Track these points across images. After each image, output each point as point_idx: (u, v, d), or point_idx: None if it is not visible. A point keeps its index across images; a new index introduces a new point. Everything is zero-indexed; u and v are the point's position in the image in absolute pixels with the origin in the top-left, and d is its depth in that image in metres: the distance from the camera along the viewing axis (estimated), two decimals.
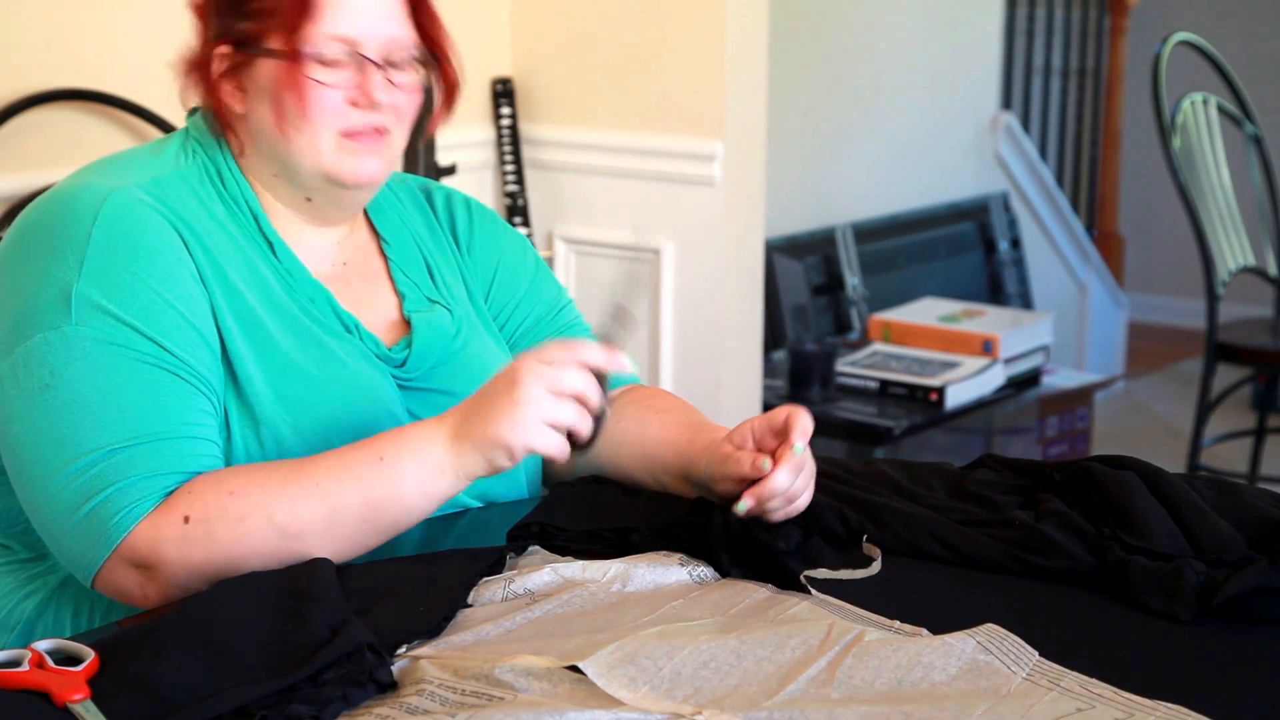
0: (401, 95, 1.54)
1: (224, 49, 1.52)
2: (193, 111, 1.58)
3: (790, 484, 1.45)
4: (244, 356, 1.47)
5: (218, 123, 1.55)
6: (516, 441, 1.37)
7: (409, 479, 1.39)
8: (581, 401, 1.38)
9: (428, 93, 1.61)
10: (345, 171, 1.52)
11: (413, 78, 1.55)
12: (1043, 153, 5.47)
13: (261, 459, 1.46)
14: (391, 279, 1.63)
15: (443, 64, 1.58)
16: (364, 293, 1.61)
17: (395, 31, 1.53)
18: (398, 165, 1.61)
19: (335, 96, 1.50)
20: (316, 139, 1.51)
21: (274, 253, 1.54)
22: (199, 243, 1.48)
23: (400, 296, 1.63)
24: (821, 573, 1.39)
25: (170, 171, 1.52)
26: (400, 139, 1.56)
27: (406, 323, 1.61)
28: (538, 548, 1.45)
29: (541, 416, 1.36)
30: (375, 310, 1.60)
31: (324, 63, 1.50)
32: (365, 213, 1.65)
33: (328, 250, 1.60)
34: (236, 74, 1.52)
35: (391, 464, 1.39)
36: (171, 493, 1.39)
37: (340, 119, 1.51)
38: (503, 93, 3.31)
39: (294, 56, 1.49)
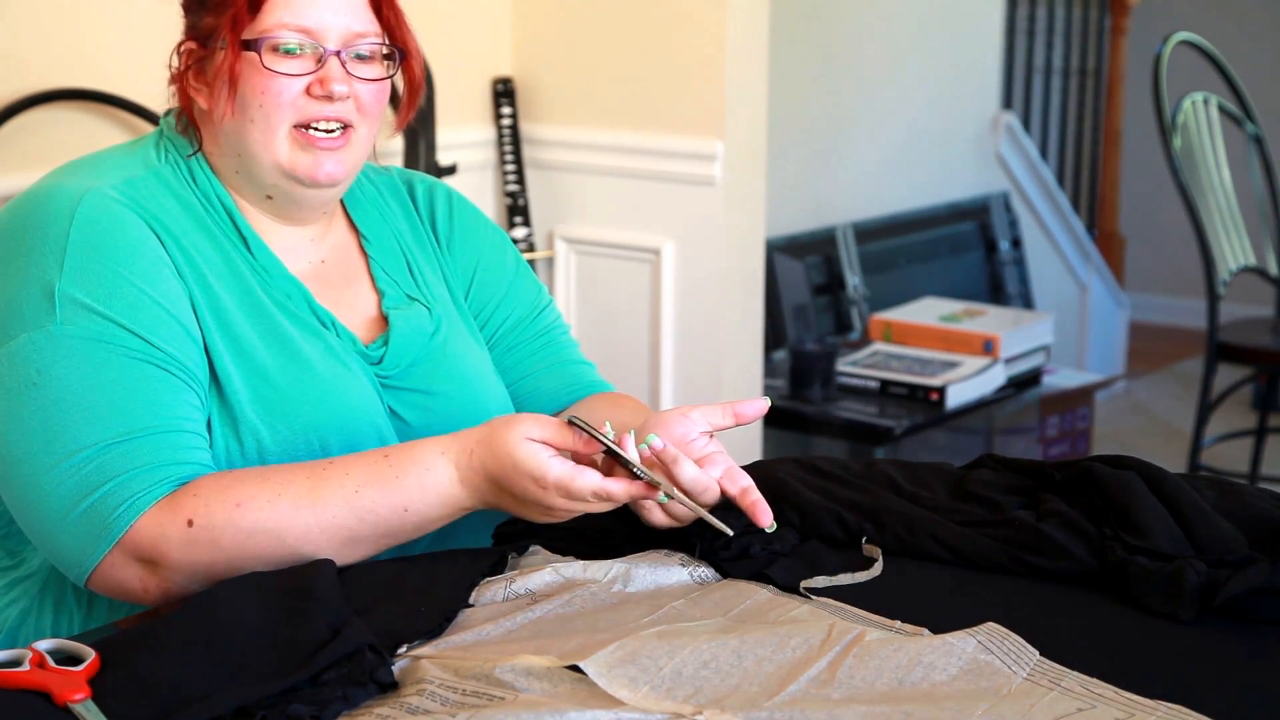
0: (364, 88, 1.52)
1: (189, 44, 1.52)
2: (167, 113, 1.58)
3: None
4: (222, 355, 1.47)
5: (185, 120, 1.55)
6: (554, 522, 1.42)
7: (432, 524, 1.43)
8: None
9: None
10: (301, 169, 1.51)
11: (377, 72, 1.54)
12: (1043, 152, 5.47)
13: (241, 458, 1.46)
14: (371, 276, 1.63)
15: (407, 60, 1.57)
16: (343, 290, 1.60)
17: (358, 25, 1.52)
18: (361, 161, 1.58)
19: (292, 86, 1.49)
20: (273, 131, 1.50)
21: (249, 249, 1.54)
22: (174, 241, 1.48)
23: (380, 293, 1.62)
24: (820, 581, 1.39)
25: (143, 171, 1.52)
26: (366, 134, 1.55)
27: (385, 320, 1.60)
28: (539, 548, 1.45)
29: (569, 513, 1.40)
30: (354, 308, 1.60)
31: (280, 53, 1.49)
32: (344, 208, 1.65)
33: (302, 248, 1.59)
34: (202, 69, 1.52)
35: (417, 515, 1.41)
36: (175, 489, 1.39)
37: (297, 110, 1.50)
38: (503, 93, 3.31)
39: (248, 45, 1.48)
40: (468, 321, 1.68)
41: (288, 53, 1.49)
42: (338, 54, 1.50)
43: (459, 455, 1.41)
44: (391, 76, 1.56)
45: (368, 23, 1.53)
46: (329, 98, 1.50)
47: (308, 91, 1.50)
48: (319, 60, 1.50)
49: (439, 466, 1.41)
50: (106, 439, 1.38)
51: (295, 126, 1.50)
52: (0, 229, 1.47)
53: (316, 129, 1.51)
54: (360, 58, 1.52)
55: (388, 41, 1.54)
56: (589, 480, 1.36)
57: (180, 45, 1.53)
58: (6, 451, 1.40)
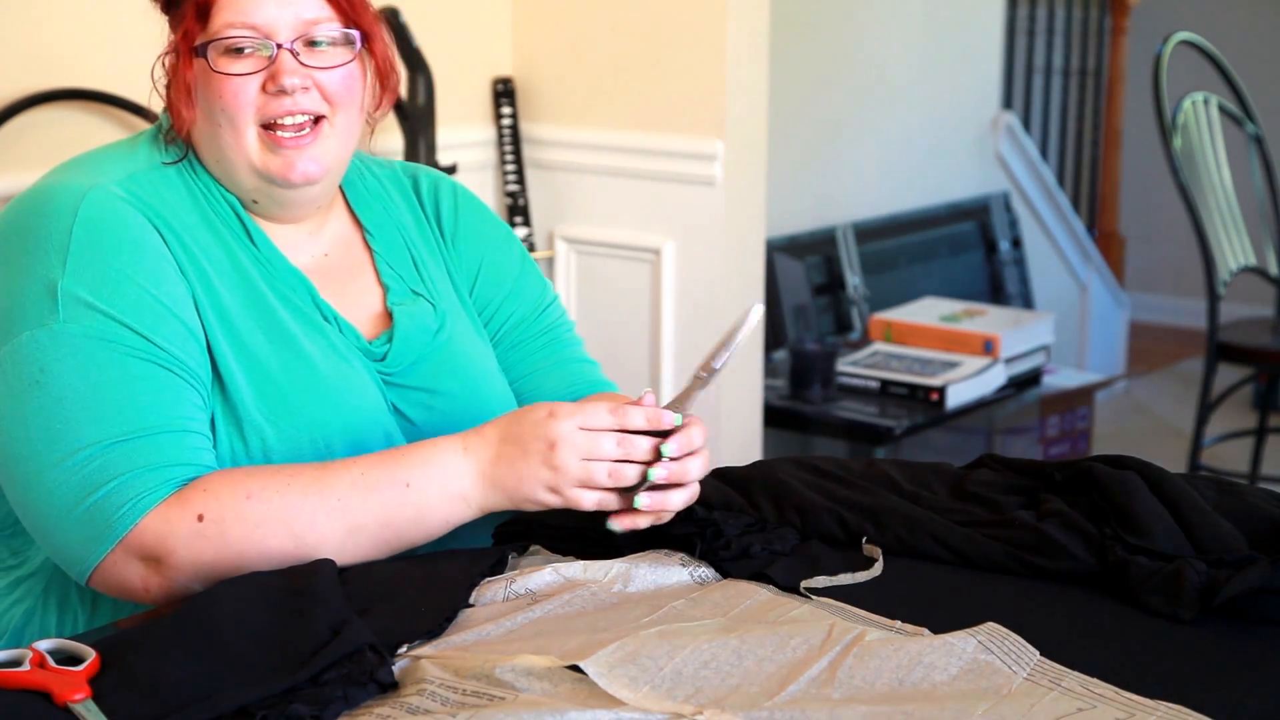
0: (326, 76, 1.50)
1: (169, 56, 1.52)
2: (166, 109, 1.58)
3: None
4: (225, 354, 1.47)
5: (171, 131, 1.54)
6: (549, 501, 1.41)
7: (433, 508, 1.41)
8: (620, 460, 1.39)
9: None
10: (274, 170, 1.50)
11: (339, 57, 1.51)
12: (1044, 152, 5.47)
13: (246, 457, 1.46)
14: (376, 270, 1.62)
15: (370, 43, 1.54)
16: (347, 284, 1.60)
17: (308, 13, 1.49)
18: (344, 152, 1.55)
19: (247, 86, 1.48)
20: (240, 133, 1.49)
21: (252, 241, 1.53)
22: (177, 238, 1.48)
23: (384, 288, 1.61)
24: (820, 581, 1.39)
25: (146, 166, 1.52)
26: (344, 123, 1.53)
27: (390, 316, 1.59)
28: (539, 548, 1.45)
29: (575, 481, 1.39)
30: (359, 303, 1.59)
31: (229, 53, 1.48)
32: (347, 202, 1.64)
33: (302, 243, 1.58)
34: (179, 80, 1.51)
35: (417, 491, 1.41)
36: (184, 486, 1.39)
37: (258, 110, 1.49)
38: (503, 93, 3.31)
39: (198, 52, 1.48)
40: (472, 318, 1.67)
41: (237, 52, 1.48)
42: (287, 46, 1.48)
43: (470, 432, 1.43)
44: (352, 61, 1.52)
45: (318, 9, 1.50)
46: (284, 92, 1.48)
47: (264, 89, 1.49)
48: (271, 57, 1.48)
49: (445, 441, 1.43)
50: (109, 438, 1.38)
51: (263, 127, 1.49)
52: (3, 227, 1.47)
53: (283, 126, 1.50)
54: (316, 45, 1.50)
55: (344, 25, 1.51)
56: (604, 402, 1.39)
57: (161, 57, 1.53)
58: (9, 449, 1.41)
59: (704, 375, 1.43)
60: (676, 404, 1.42)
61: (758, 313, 1.41)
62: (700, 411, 1.46)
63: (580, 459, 1.38)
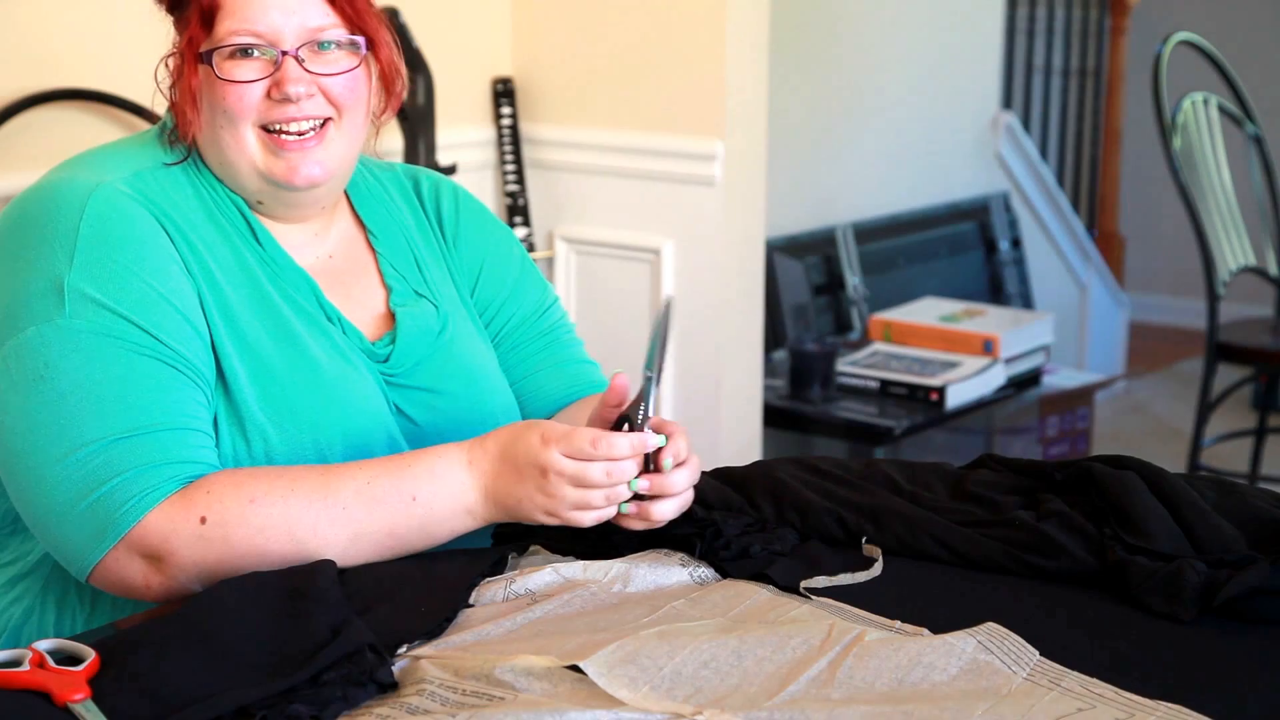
0: (331, 82, 1.51)
1: (174, 59, 1.52)
2: (170, 108, 1.58)
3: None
4: (229, 354, 1.47)
5: (175, 133, 1.54)
6: (548, 522, 1.41)
7: (438, 521, 1.42)
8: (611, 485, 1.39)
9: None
10: (278, 173, 1.51)
11: (344, 63, 1.52)
12: (1043, 152, 5.47)
13: (249, 458, 1.46)
14: (380, 272, 1.62)
15: (375, 48, 1.55)
16: (351, 285, 1.60)
17: (313, 20, 1.50)
18: (350, 155, 1.56)
19: (251, 91, 1.49)
20: (241, 136, 1.50)
21: (258, 240, 1.54)
22: (183, 237, 1.49)
23: (388, 290, 1.62)
24: (820, 581, 1.39)
25: (151, 165, 1.52)
26: (350, 126, 1.53)
27: (393, 317, 1.60)
28: (539, 548, 1.45)
29: (571, 505, 1.39)
30: (363, 304, 1.60)
31: (235, 57, 1.48)
32: (350, 204, 1.64)
33: (307, 244, 1.58)
34: (184, 83, 1.51)
35: (423, 505, 1.41)
36: (186, 486, 1.39)
37: (260, 114, 1.49)
38: (503, 93, 3.31)
39: (203, 59, 1.48)
40: (474, 319, 1.68)
41: (243, 55, 1.48)
42: (292, 53, 1.48)
43: (472, 443, 1.43)
44: (357, 67, 1.52)
45: (323, 16, 1.50)
46: (289, 99, 1.49)
47: (268, 95, 1.49)
48: (276, 63, 1.49)
49: (450, 453, 1.43)
50: (113, 434, 1.38)
51: (263, 129, 1.50)
52: (10, 222, 1.48)
53: (286, 131, 1.50)
54: (322, 50, 1.50)
55: (349, 31, 1.52)
56: (588, 429, 1.39)
57: (165, 59, 1.53)
58: (13, 444, 1.41)
59: (651, 375, 1.43)
60: (638, 411, 1.41)
61: (673, 303, 1.43)
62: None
63: (572, 486, 1.39)
